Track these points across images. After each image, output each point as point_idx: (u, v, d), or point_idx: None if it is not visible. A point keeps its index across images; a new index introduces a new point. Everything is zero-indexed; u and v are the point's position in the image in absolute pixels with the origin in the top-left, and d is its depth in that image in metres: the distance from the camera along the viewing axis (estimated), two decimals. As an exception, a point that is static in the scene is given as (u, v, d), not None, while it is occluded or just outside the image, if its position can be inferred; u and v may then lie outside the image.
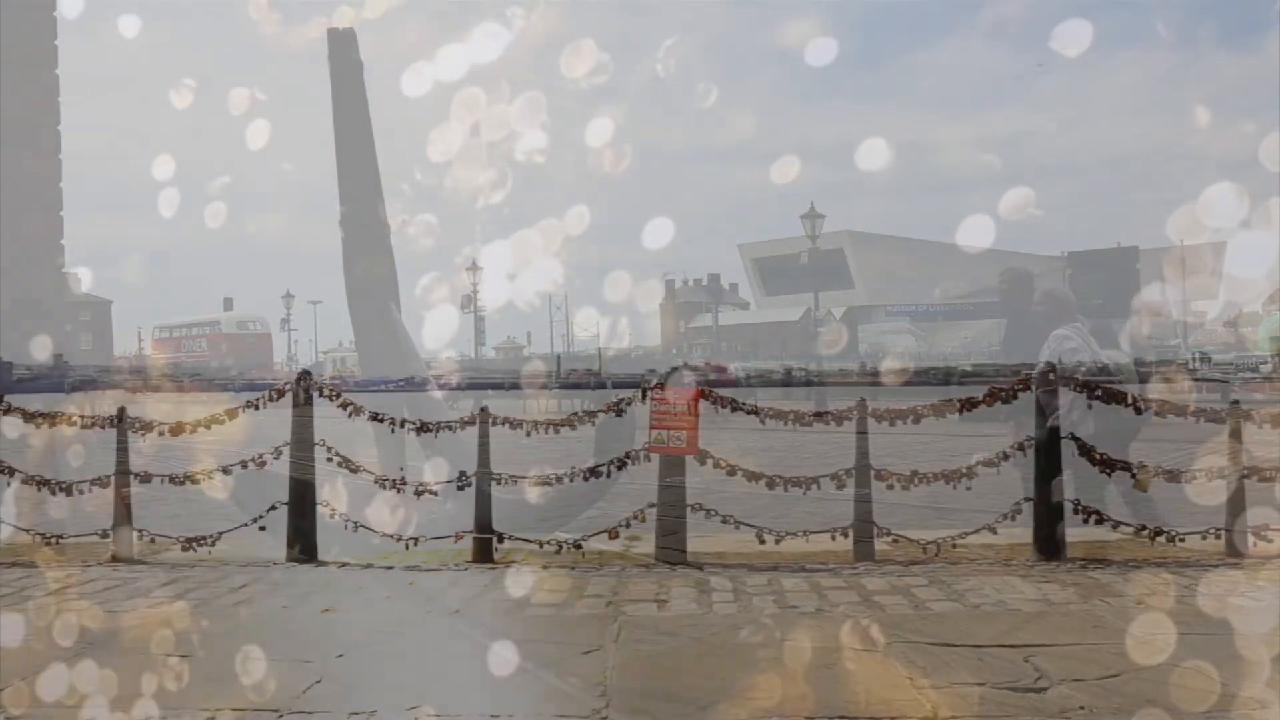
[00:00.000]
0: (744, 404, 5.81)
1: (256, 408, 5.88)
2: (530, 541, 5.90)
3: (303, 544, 5.80)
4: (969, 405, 5.60)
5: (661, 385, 5.80)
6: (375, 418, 5.89)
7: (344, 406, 5.91)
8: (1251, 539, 5.58)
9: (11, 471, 6.15)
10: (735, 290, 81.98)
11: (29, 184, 59.85)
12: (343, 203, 9.48)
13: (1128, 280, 41.57)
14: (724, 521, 5.81)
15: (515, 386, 7.18)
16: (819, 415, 5.72)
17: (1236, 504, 5.55)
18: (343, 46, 9.64)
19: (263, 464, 5.89)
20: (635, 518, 5.81)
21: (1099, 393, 5.57)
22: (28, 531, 6.22)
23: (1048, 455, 5.56)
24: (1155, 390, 5.80)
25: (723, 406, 5.80)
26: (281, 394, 5.85)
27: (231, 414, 5.87)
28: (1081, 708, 3.38)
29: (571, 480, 5.90)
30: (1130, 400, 5.54)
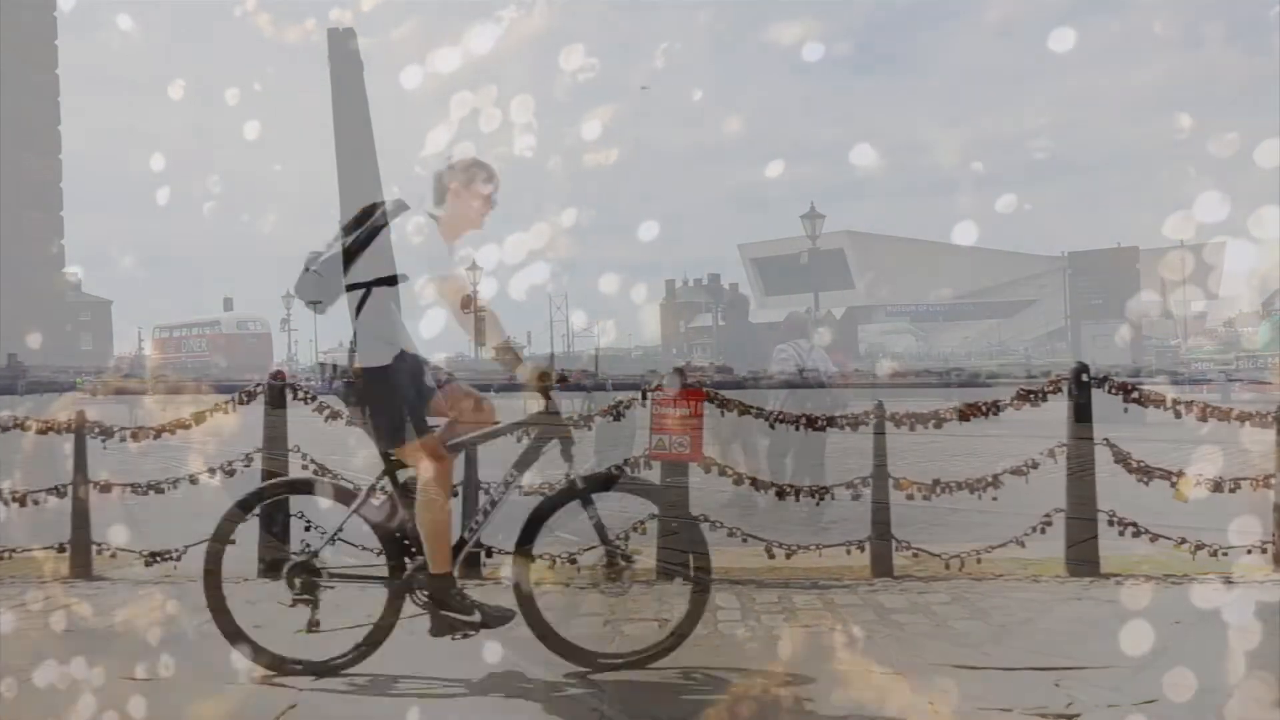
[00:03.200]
0: (751, 407, 5.46)
1: (226, 411, 5.51)
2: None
3: (277, 557, 5.41)
4: (994, 409, 5.25)
5: (662, 387, 5.43)
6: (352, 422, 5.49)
7: (320, 410, 5.52)
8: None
9: None
10: (735, 290, 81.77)
11: (29, 184, 59.99)
12: (343, 202, 9.35)
13: (1128, 280, 41.59)
14: (731, 534, 5.48)
15: (506, 388, 6.82)
16: (831, 420, 5.35)
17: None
18: (342, 46, 9.64)
19: (232, 472, 5.54)
20: (635, 529, 5.44)
21: (1135, 395, 5.23)
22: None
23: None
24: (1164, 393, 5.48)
25: (729, 410, 5.43)
26: (252, 396, 5.47)
27: (199, 417, 5.49)
28: (1118, 735, 3.22)
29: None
30: (1169, 403, 5.19)
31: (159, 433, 5.52)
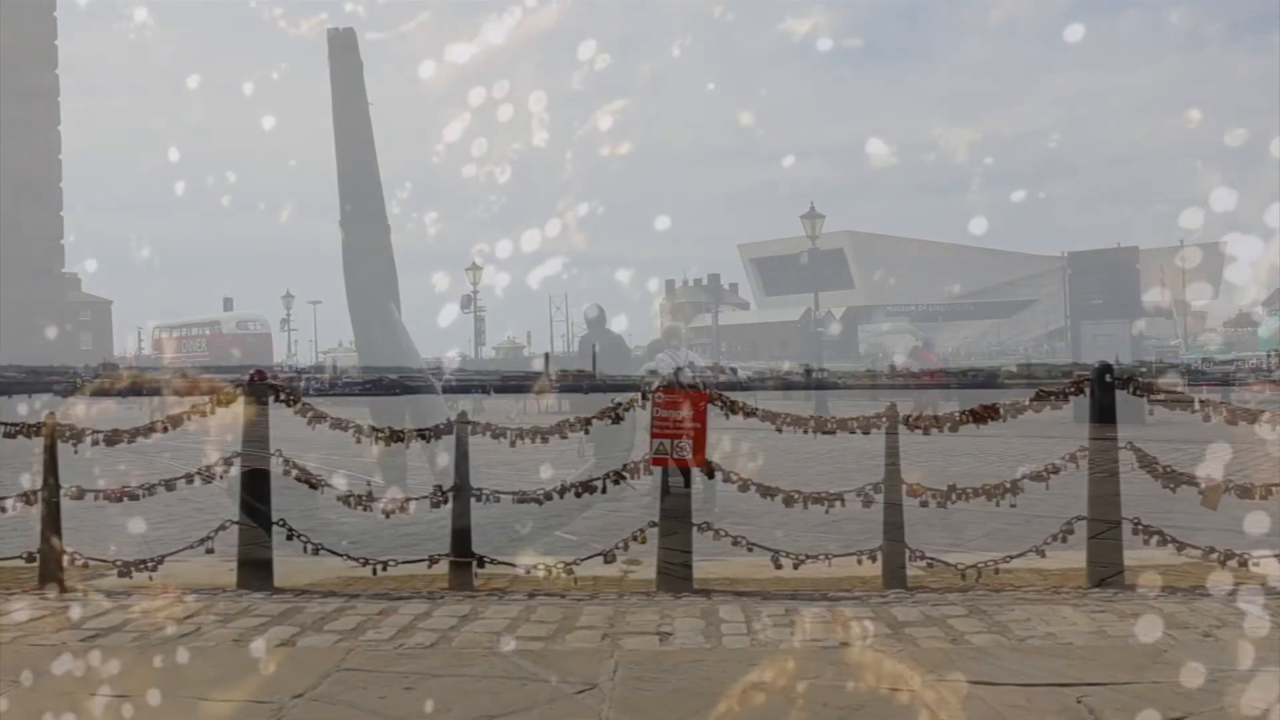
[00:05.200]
0: (757, 409, 5.21)
1: (204, 414, 5.26)
2: (515, 566, 5.31)
3: (257, 568, 5.17)
4: (1014, 411, 5.00)
5: (664, 388, 5.19)
6: (338, 425, 5.25)
7: (302, 413, 5.27)
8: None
9: None
10: (735, 290, 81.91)
11: (29, 184, 60.05)
12: (343, 202, 9.43)
13: (1127, 280, 41.41)
14: (735, 543, 5.22)
15: (503, 389, 6.61)
16: (843, 422, 5.10)
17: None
18: (343, 47, 9.70)
19: (210, 478, 5.29)
20: (634, 539, 5.20)
21: (1161, 397, 4.99)
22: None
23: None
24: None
25: (733, 412, 5.18)
26: (231, 399, 5.22)
27: (175, 420, 5.23)
28: (1143, 755, 3.06)
29: (562, 496, 5.30)
30: (1197, 405, 4.95)
31: (133, 436, 5.27)
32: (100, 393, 6.00)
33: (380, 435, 5.27)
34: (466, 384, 9.15)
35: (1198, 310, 59.08)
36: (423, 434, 5.32)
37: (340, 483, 5.58)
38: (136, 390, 5.62)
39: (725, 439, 6.49)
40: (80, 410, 5.78)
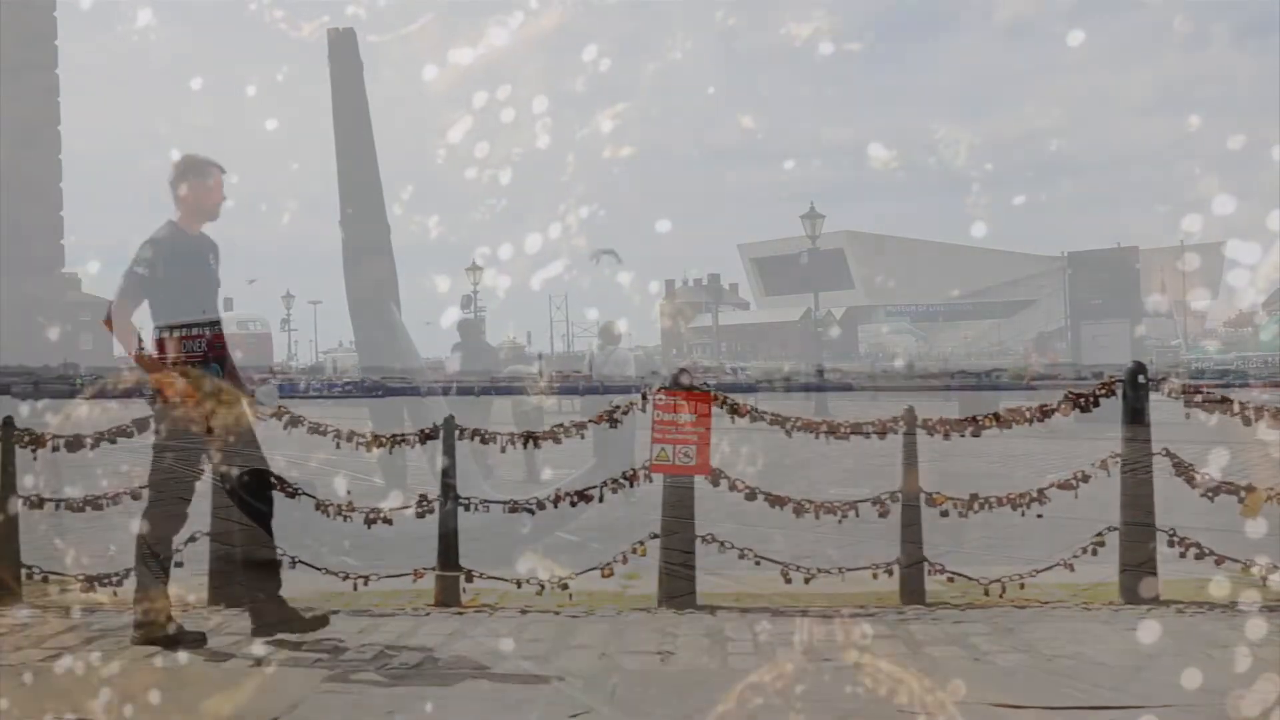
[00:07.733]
0: (765, 412, 4.94)
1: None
2: (506, 581, 5.07)
3: (230, 581, 4.89)
4: (1043, 414, 4.72)
5: (665, 390, 4.91)
6: (316, 429, 4.97)
7: (278, 416, 4.98)
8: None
9: None
10: (735, 290, 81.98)
11: (29, 184, 60.16)
12: (343, 203, 9.54)
13: (1127, 280, 41.33)
14: (741, 556, 4.99)
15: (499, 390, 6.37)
16: (857, 427, 4.82)
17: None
18: (343, 47, 9.79)
19: None
20: (634, 551, 4.93)
21: (1199, 398, 4.72)
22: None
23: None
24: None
25: (740, 415, 4.91)
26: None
27: (143, 425, 4.94)
28: (1180, 786, 2.94)
29: (556, 505, 5.04)
30: (1238, 407, 4.68)
31: (96, 442, 4.98)
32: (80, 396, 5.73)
33: (361, 440, 5.00)
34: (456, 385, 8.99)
35: (1197, 311, 59.13)
36: (406, 438, 5.05)
37: (338, 485, 5.35)
38: (104, 393, 5.32)
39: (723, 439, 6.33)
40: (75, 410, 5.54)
